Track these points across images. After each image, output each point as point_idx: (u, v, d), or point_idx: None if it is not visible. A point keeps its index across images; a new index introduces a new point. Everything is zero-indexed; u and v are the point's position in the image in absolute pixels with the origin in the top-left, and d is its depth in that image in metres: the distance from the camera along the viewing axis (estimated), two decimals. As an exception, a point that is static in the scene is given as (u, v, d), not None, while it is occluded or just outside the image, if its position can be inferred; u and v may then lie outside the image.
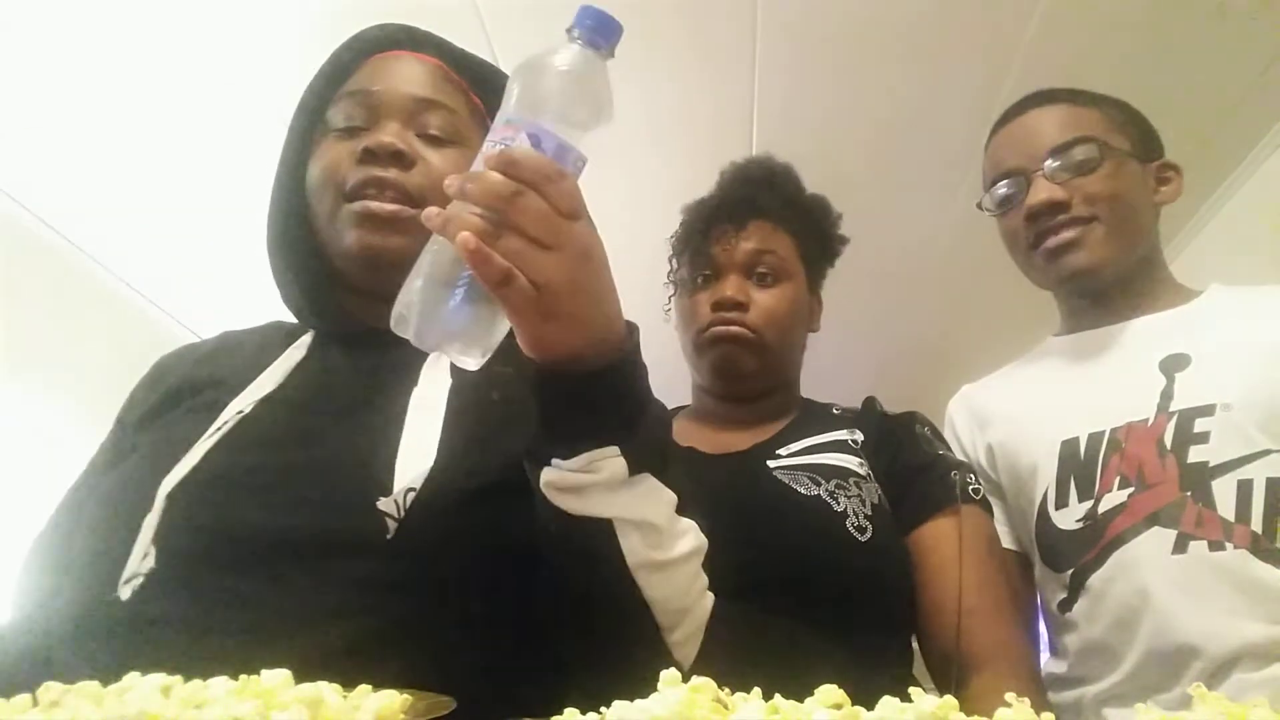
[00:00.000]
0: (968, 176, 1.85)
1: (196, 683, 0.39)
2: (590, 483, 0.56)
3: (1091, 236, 1.01)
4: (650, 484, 0.58)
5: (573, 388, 0.55)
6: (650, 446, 0.59)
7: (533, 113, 0.54)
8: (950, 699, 0.35)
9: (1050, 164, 1.03)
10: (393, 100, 0.76)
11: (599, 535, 0.57)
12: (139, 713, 0.37)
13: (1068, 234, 1.02)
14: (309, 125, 0.81)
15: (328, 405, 0.70)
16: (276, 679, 0.40)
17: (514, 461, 0.64)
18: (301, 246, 0.80)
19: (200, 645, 0.54)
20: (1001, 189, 1.09)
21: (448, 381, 0.70)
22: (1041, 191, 1.03)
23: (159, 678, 0.40)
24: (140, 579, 0.57)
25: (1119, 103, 1.10)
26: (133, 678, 0.40)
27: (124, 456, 0.70)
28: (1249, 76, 1.66)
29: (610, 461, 0.56)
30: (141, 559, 0.58)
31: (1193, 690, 0.40)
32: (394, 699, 0.40)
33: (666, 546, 0.59)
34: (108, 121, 1.76)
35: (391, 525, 0.59)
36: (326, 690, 0.39)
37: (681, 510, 0.61)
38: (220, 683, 0.39)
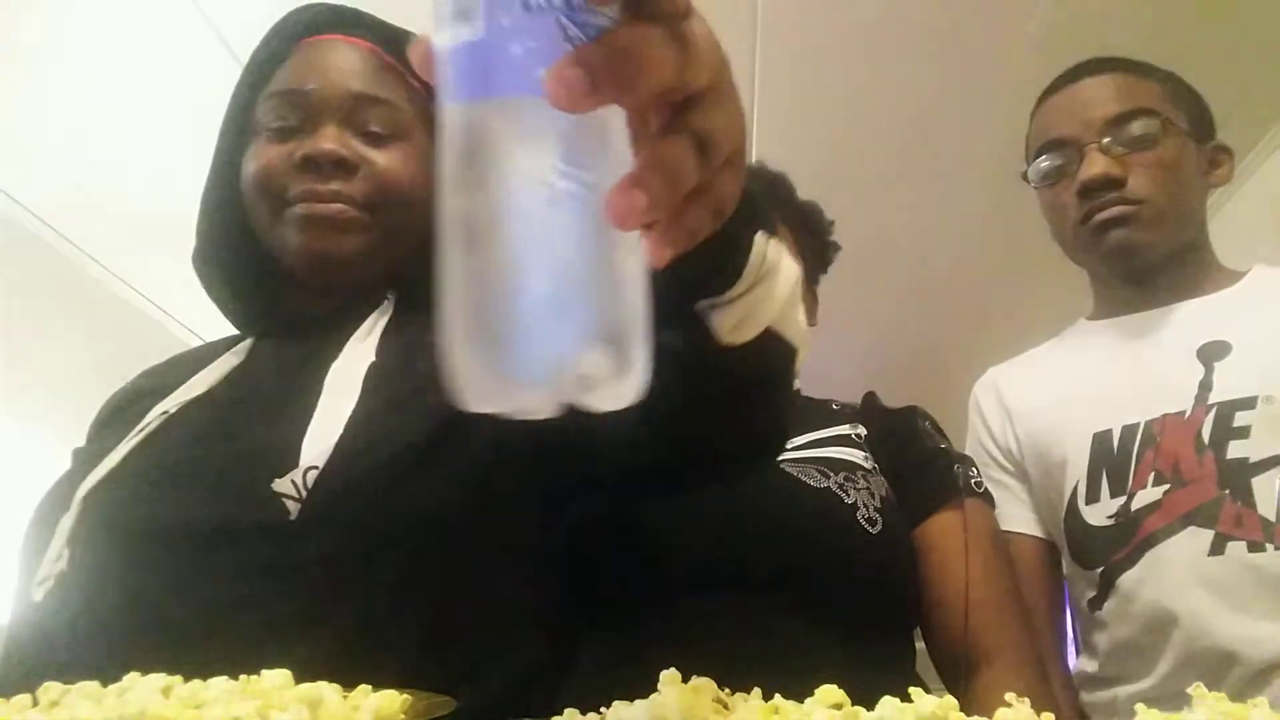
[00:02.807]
0: (969, 174, 1.87)
1: (196, 683, 0.40)
2: (762, 290, 0.47)
3: (1142, 217, 1.00)
4: (776, 241, 0.48)
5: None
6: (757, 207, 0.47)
7: None
8: (950, 699, 0.35)
9: (1108, 136, 1.00)
10: (328, 99, 0.73)
11: (772, 343, 0.50)
12: (139, 713, 0.38)
13: (1120, 209, 1.00)
14: (242, 123, 0.77)
15: (253, 400, 0.69)
16: (276, 679, 0.41)
17: (442, 418, 0.63)
18: (239, 250, 0.77)
19: (103, 643, 0.55)
20: (1049, 160, 1.05)
21: (370, 358, 0.69)
22: (1097, 165, 1.00)
23: (159, 678, 0.41)
24: (50, 580, 0.58)
25: (1178, 78, 1.07)
26: (132, 678, 0.41)
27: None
28: (1249, 76, 1.66)
29: (768, 246, 0.46)
30: (55, 560, 0.59)
31: (1192, 690, 0.40)
32: (394, 699, 0.41)
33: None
34: (108, 121, 1.79)
35: (293, 506, 0.58)
36: (326, 690, 0.40)
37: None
38: (220, 683, 0.40)
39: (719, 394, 0.52)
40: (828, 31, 1.65)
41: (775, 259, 0.47)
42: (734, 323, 0.47)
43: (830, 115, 1.83)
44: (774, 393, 0.55)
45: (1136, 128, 1.00)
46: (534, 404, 0.31)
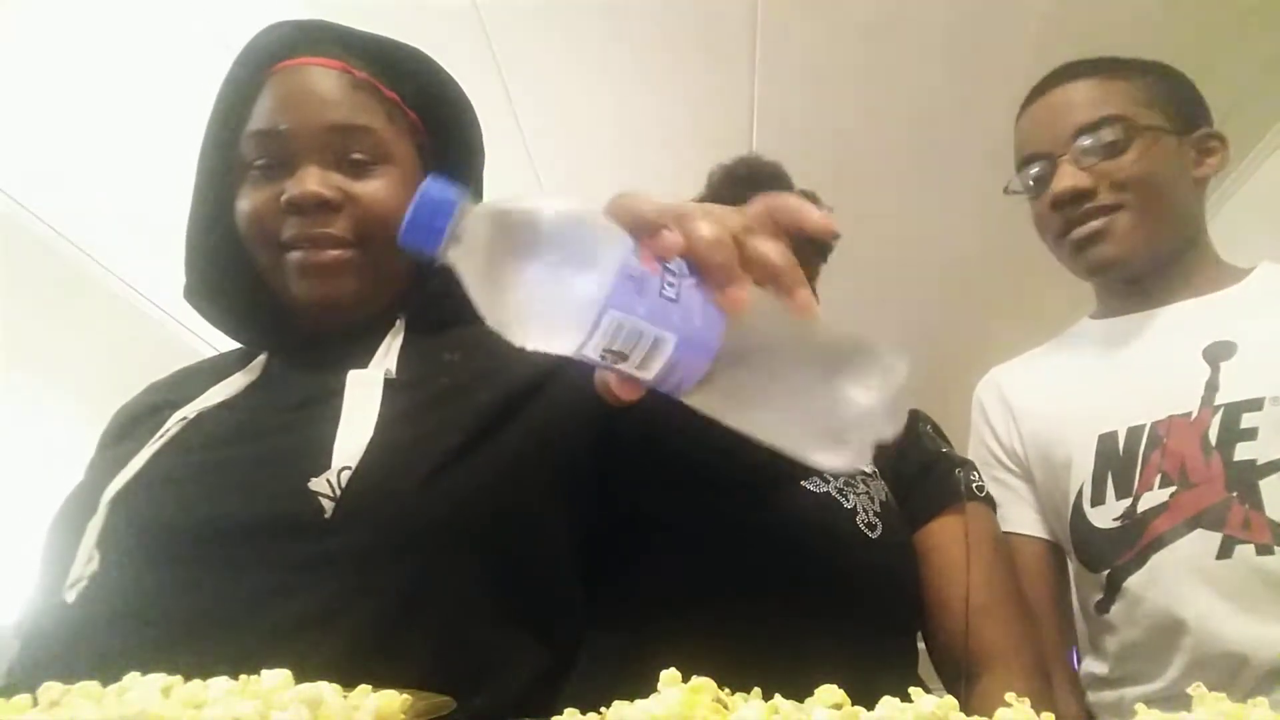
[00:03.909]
0: (969, 171, 1.88)
1: (196, 683, 0.40)
2: None
3: (1118, 226, 0.99)
4: None
5: None
6: None
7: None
8: (950, 699, 0.35)
9: (1076, 147, 1.00)
10: (304, 138, 0.73)
11: None
12: (139, 713, 0.38)
13: (1093, 224, 0.99)
14: (223, 158, 0.78)
15: (273, 405, 0.72)
16: (276, 679, 0.41)
17: (468, 426, 0.66)
18: (238, 280, 0.78)
19: (139, 637, 0.57)
20: (1030, 172, 1.06)
21: (388, 367, 0.71)
22: (1065, 179, 1.00)
23: (159, 678, 0.41)
24: (83, 582, 0.60)
25: (1155, 70, 1.05)
26: (132, 678, 0.41)
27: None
28: (1249, 77, 1.66)
29: None
30: (85, 563, 0.61)
31: (1192, 690, 0.40)
32: (394, 699, 0.42)
33: None
34: (108, 121, 1.80)
35: (328, 505, 0.60)
36: (326, 690, 0.41)
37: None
38: (220, 683, 0.41)
39: None
40: (828, 31, 1.65)
41: None
42: None
43: (829, 114, 1.84)
44: None
45: (1105, 135, 0.99)
46: (860, 456, 0.45)
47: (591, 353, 0.41)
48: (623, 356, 0.40)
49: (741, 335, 0.41)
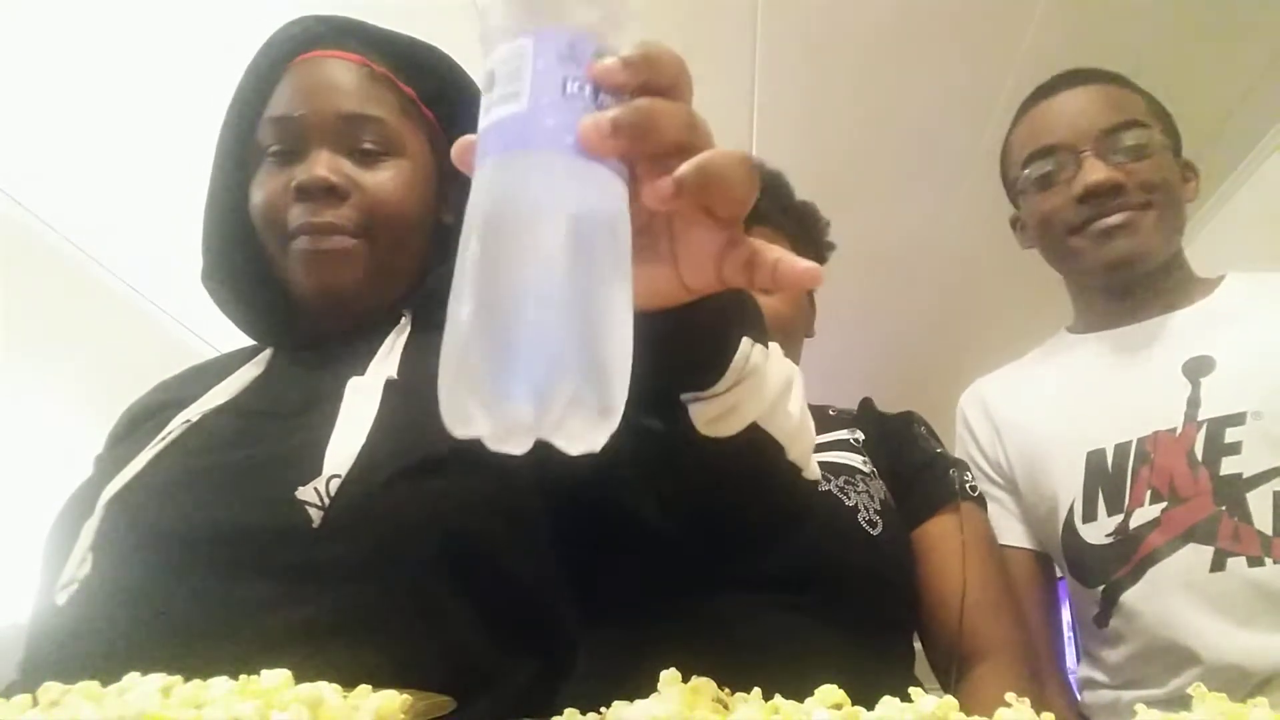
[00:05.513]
0: (966, 175, 1.88)
1: (196, 683, 0.40)
2: (744, 390, 0.50)
3: (1145, 222, 1.00)
4: (763, 347, 0.52)
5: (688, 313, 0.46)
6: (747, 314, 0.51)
7: None
8: (950, 699, 0.35)
9: (1105, 144, 1.01)
10: (318, 124, 0.74)
11: (758, 437, 0.53)
12: (139, 713, 0.38)
13: (1121, 216, 1.00)
14: (241, 144, 0.79)
15: (275, 410, 0.71)
16: (276, 679, 0.41)
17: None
18: (250, 269, 0.79)
19: (127, 643, 0.56)
20: (1039, 165, 1.05)
21: (390, 373, 0.70)
22: (1098, 171, 1.00)
23: (159, 678, 0.41)
24: (75, 584, 0.60)
25: (1151, 94, 1.09)
26: (132, 678, 0.41)
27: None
28: (1248, 77, 1.67)
29: (753, 350, 0.50)
30: (79, 565, 0.61)
31: (1192, 690, 0.40)
32: (394, 699, 0.42)
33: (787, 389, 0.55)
34: (109, 120, 1.80)
35: (316, 514, 0.60)
36: (326, 690, 0.41)
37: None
38: (220, 683, 0.40)
39: (707, 481, 0.55)
40: (827, 32, 1.65)
41: (760, 362, 0.51)
42: (712, 416, 0.50)
43: (827, 117, 1.84)
44: (760, 485, 0.57)
45: (1130, 138, 1.01)
46: (507, 433, 0.35)
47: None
48: (493, 81, 0.35)
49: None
